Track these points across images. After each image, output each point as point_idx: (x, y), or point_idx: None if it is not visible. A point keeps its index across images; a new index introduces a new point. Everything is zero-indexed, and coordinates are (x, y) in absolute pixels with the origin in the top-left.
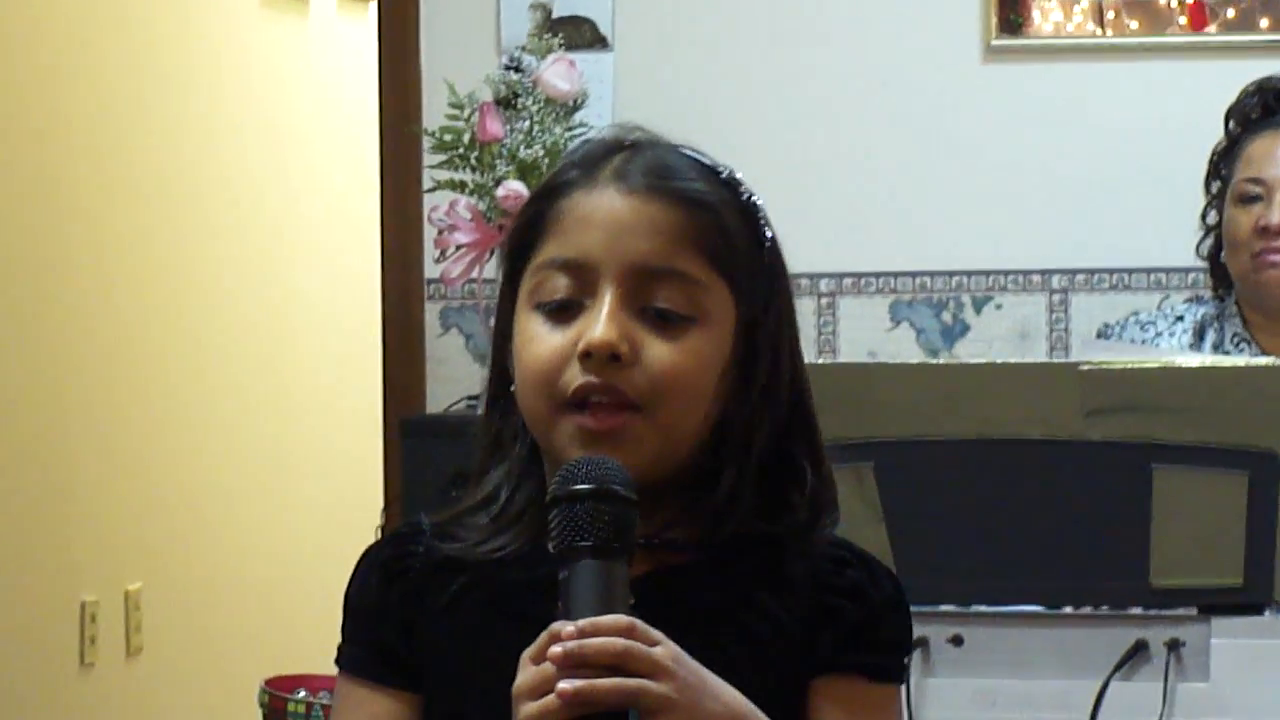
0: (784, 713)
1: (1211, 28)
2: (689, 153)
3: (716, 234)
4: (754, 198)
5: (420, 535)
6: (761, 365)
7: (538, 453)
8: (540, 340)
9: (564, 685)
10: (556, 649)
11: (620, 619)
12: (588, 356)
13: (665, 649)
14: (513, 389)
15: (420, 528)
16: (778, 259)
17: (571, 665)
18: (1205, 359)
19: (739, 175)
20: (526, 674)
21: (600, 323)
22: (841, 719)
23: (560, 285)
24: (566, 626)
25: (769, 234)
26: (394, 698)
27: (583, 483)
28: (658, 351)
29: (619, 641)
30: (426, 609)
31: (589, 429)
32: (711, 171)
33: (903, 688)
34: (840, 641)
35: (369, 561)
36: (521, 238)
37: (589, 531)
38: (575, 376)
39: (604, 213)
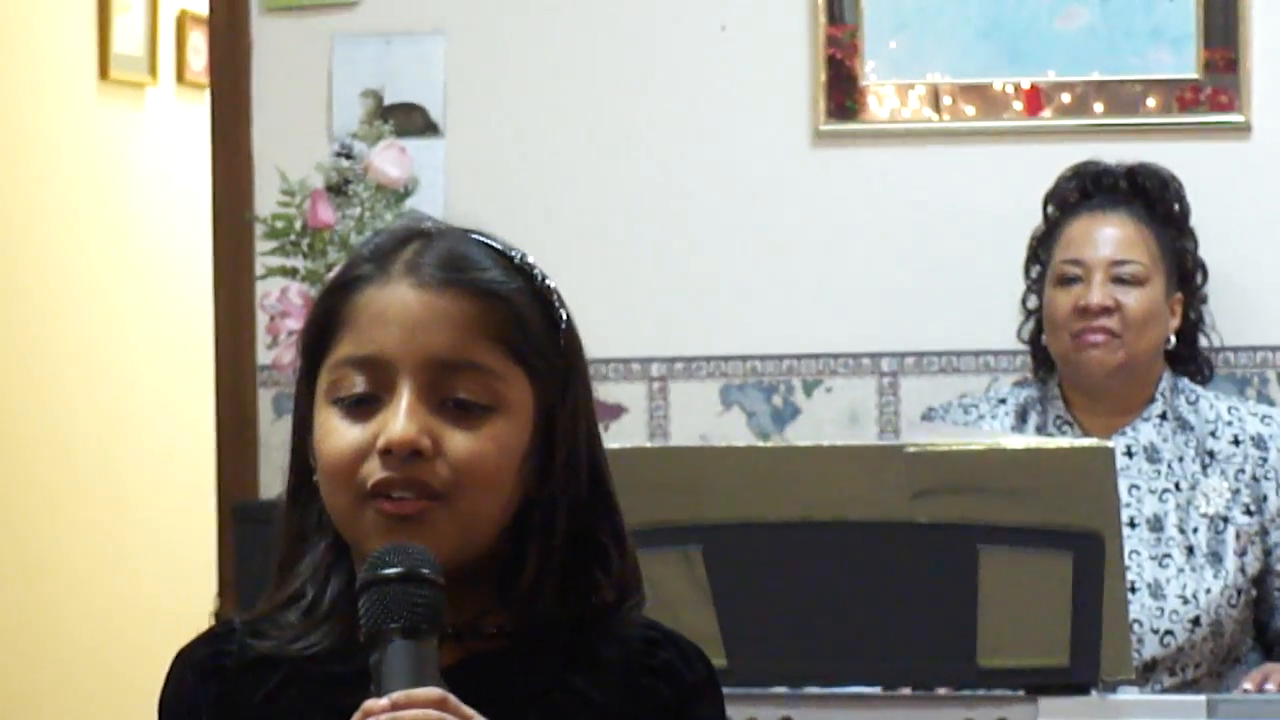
0: None
1: (1047, 112)
2: (482, 239)
3: (512, 324)
4: (548, 281)
5: (232, 634)
6: (560, 448)
7: (342, 544)
8: (339, 435)
9: None
10: None
11: (433, 691)
12: (388, 453)
13: None
14: (315, 479)
15: (232, 627)
16: (573, 340)
17: None
18: (1030, 440)
19: (531, 260)
20: None
21: (400, 419)
22: None
23: (357, 382)
24: (379, 701)
25: (564, 315)
26: None
27: (391, 567)
28: (459, 442)
29: (431, 714)
30: (242, 708)
31: (390, 513)
32: (504, 257)
33: None
34: None
35: (182, 662)
36: (317, 333)
37: (398, 614)
38: (375, 470)
39: (398, 308)
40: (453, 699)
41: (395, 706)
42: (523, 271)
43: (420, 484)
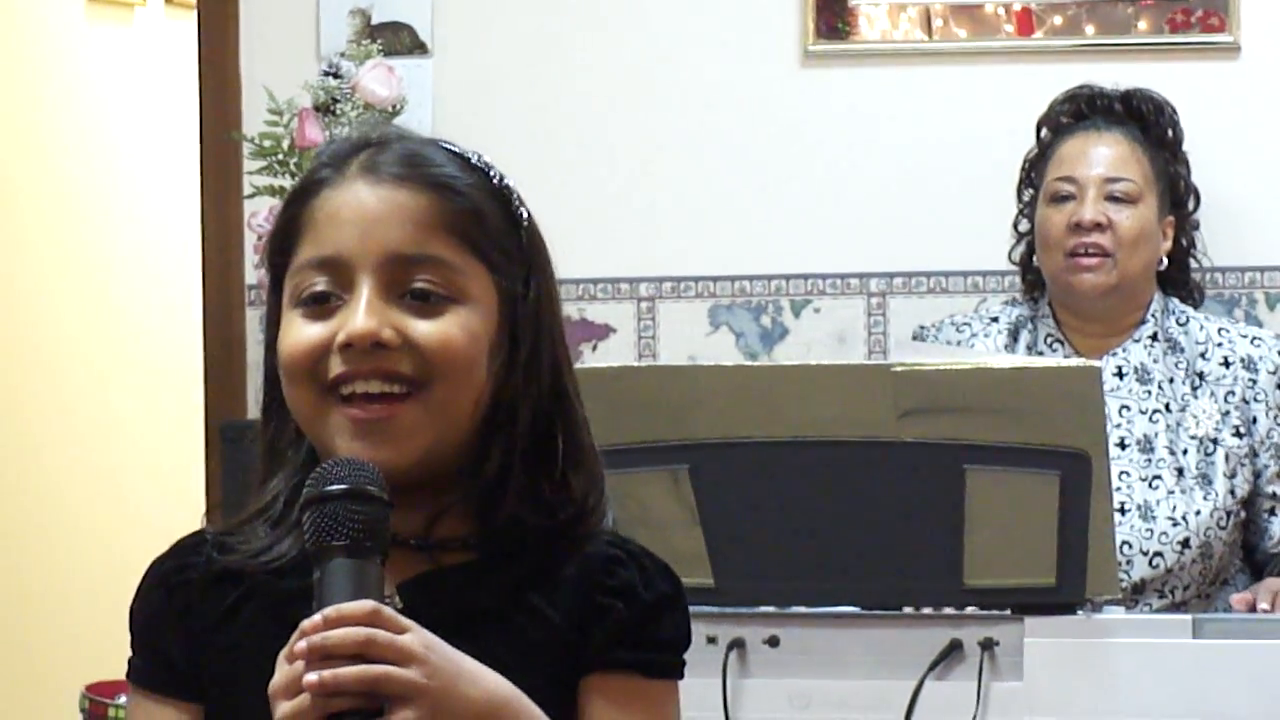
0: (557, 712)
1: (1039, 34)
2: (438, 142)
3: (469, 217)
4: (506, 180)
5: (202, 546)
6: (523, 345)
7: (316, 459)
8: (297, 332)
9: (309, 677)
10: (301, 644)
11: (364, 604)
12: (349, 348)
13: (415, 635)
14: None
15: (203, 538)
16: (535, 238)
17: (317, 658)
18: (1017, 359)
19: (488, 160)
20: (280, 673)
21: (359, 314)
22: (613, 714)
23: (318, 283)
24: (313, 619)
25: (524, 214)
26: (179, 709)
27: (336, 483)
28: (424, 329)
29: (361, 631)
30: (205, 620)
31: (360, 418)
32: (461, 158)
33: (679, 683)
34: (611, 639)
35: (151, 575)
36: (280, 242)
37: (341, 531)
38: (337, 365)
39: (353, 206)
40: (386, 611)
41: (326, 622)
42: (479, 170)
43: (387, 371)
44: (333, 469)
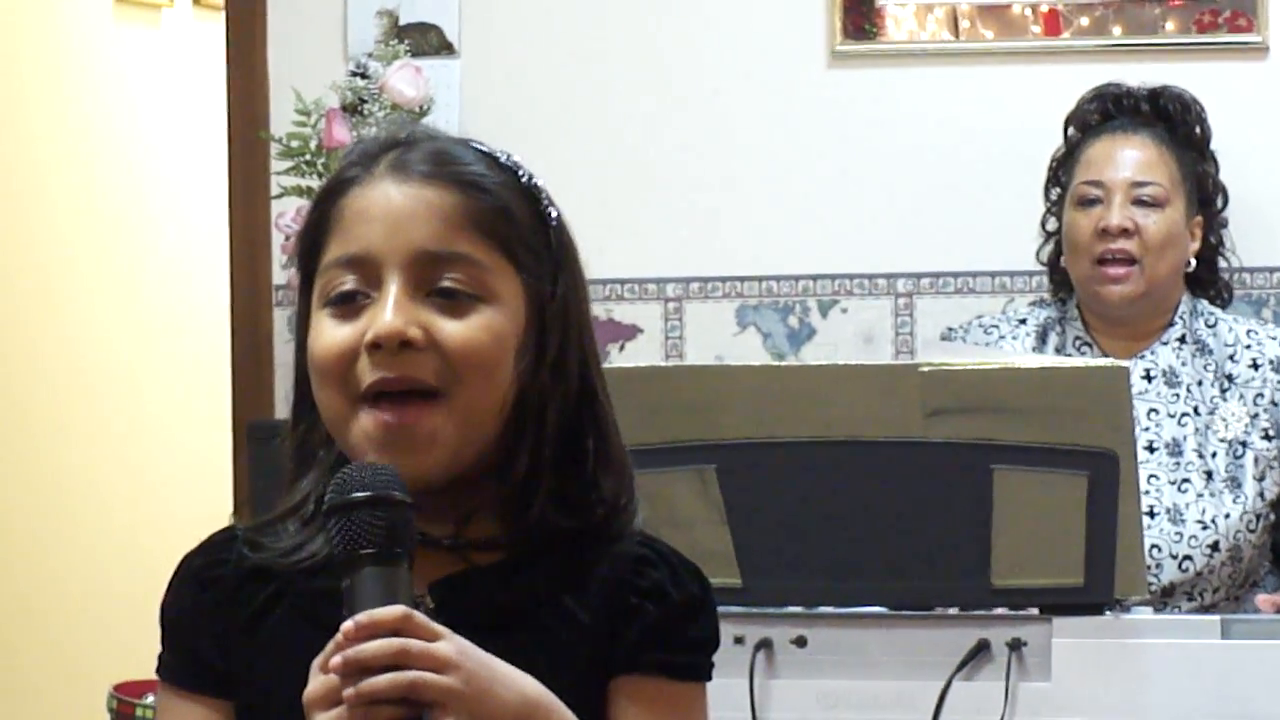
0: (586, 714)
1: (1066, 35)
2: (468, 141)
3: (497, 216)
4: (535, 179)
5: (233, 543)
6: (550, 344)
7: (346, 459)
8: (328, 335)
9: (348, 691)
10: (336, 659)
11: (395, 609)
12: (377, 348)
13: (448, 643)
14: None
15: (234, 535)
16: (564, 237)
17: (353, 671)
18: (1045, 359)
19: (517, 159)
20: (316, 682)
21: (387, 312)
22: (642, 716)
23: (346, 282)
24: (346, 625)
25: (553, 214)
26: (209, 706)
27: (358, 490)
28: (450, 330)
29: (395, 641)
30: (236, 618)
31: (386, 423)
32: (489, 157)
33: (708, 685)
34: (640, 641)
35: (182, 571)
36: (309, 241)
37: (368, 539)
38: (367, 371)
39: (382, 204)
40: (418, 617)
41: (359, 628)
42: (508, 169)
43: (413, 381)
44: (354, 475)
